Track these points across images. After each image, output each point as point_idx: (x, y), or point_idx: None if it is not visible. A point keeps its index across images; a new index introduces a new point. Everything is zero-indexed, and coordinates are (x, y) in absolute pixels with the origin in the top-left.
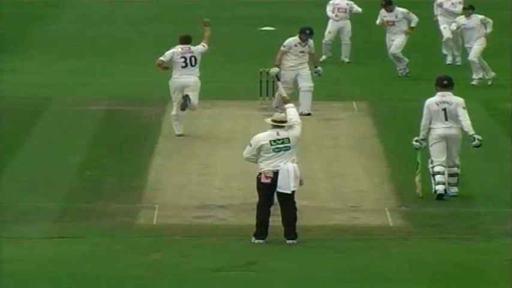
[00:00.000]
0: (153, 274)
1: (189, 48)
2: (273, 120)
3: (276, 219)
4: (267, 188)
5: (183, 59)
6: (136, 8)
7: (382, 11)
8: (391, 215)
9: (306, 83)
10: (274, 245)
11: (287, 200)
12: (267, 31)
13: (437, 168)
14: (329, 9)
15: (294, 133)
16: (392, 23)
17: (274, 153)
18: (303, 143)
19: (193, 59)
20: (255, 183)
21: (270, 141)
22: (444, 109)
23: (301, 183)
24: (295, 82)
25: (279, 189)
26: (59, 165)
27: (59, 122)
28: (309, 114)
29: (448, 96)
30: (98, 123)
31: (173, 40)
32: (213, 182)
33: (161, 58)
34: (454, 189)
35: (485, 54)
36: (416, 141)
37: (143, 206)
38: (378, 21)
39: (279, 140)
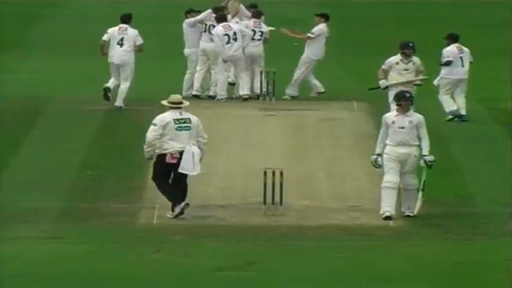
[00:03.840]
0: (153, 274)
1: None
2: (170, 102)
3: (276, 220)
4: (171, 168)
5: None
6: (137, 8)
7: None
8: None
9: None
10: (274, 245)
11: (182, 180)
12: None
13: None
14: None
15: (196, 118)
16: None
17: (176, 133)
18: (304, 143)
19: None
20: (255, 183)
21: (174, 119)
22: None
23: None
24: None
25: (181, 170)
26: (59, 165)
27: (59, 122)
28: None
29: None
30: (98, 123)
31: (173, 40)
32: (213, 182)
33: None
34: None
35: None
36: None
37: (143, 206)
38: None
39: (181, 119)
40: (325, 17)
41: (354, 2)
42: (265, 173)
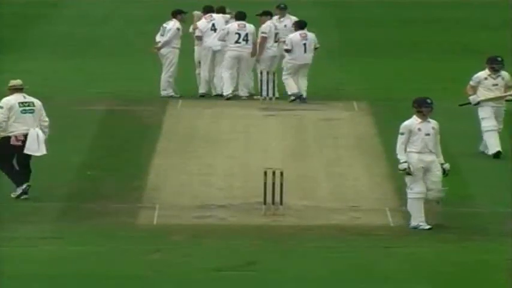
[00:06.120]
0: (153, 274)
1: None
2: (12, 85)
3: (276, 220)
4: (15, 150)
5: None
6: (137, 8)
7: None
8: (391, 215)
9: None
10: (274, 245)
11: (27, 160)
12: None
13: None
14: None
15: (39, 102)
16: None
17: (21, 115)
18: (304, 143)
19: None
20: (255, 183)
21: (19, 103)
22: None
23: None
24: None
25: (27, 151)
26: (59, 165)
27: (59, 122)
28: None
29: None
30: (98, 123)
31: None
32: (213, 182)
33: None
34: None
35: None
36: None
37: (143, 206)
38: None
39: (25, 102)
40: (270, 14)
41: (354, 2)
42: (265, 173)
